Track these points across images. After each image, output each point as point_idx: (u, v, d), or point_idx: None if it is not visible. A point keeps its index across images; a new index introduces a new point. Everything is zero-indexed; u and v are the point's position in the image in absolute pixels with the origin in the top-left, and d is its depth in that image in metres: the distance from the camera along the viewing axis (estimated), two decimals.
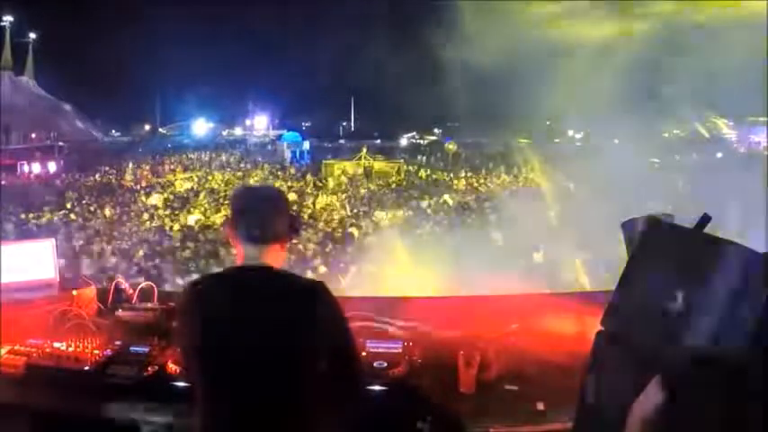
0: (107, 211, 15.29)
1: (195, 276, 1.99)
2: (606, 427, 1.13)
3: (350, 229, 12.05)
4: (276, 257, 1.74)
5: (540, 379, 2.28)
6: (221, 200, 16.35)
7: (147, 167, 27.45)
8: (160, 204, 16.71)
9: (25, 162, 28.93)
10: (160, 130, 52.62)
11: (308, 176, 23.68)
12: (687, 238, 1.52)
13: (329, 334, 1.63)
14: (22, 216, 13.91)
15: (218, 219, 13.32)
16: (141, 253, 10.35)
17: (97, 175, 25.47)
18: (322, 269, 8.95)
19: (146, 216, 14.51)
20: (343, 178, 23.83)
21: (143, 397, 2.17)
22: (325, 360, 1.61)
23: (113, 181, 23.90)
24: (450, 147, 34.12)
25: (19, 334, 2.47)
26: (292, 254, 9.33)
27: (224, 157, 32.11)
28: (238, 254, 1.74)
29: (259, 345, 1.57)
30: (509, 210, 12.90)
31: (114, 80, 45.60)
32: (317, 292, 1.65)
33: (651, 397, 0.89)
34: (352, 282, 8.45)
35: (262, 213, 1.73)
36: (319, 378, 1.59)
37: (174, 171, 27.43)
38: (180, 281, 8.01)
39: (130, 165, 27.39)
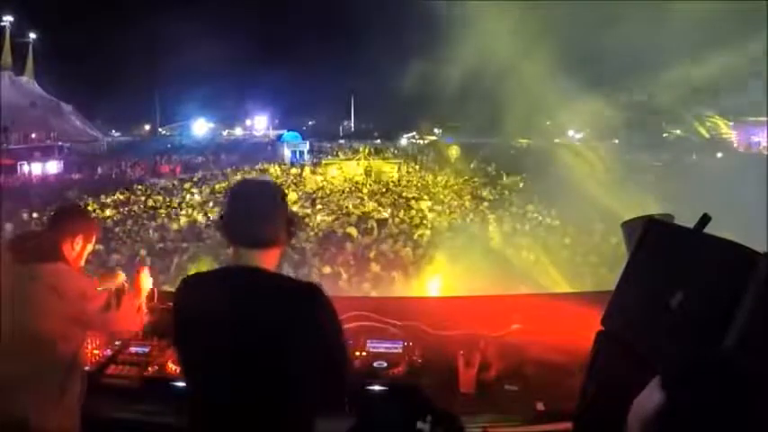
0: (108, 212, 15.31)
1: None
2: (606, 428, 1.12)
3: (348, 230, 12.05)
4: (271, 260, 1.66)
5: (540, 379, 2.28)
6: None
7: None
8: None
9: (25, 162, 28.94)
10: (160, 130, 52.61)
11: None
12: (687, 238, 1.52)
13: (321, 338, 1.57)
14: (24, 216, 13.93)
15: None
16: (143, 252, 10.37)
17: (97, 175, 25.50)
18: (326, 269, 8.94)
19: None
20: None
21: (143, 397, 2.17)
22: (314, 364, 1.56)
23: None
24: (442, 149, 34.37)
25: None
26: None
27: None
28: (233, 255, 1.66)
29: (246, 346, 1.53)
30: None
31: (114, 80, 45.66)
32: (309, 295, 1.58)
33: (650, 397, 0.89)
34: None
35: (257, 217, 1.64)
36: (307, 381, 1.56)
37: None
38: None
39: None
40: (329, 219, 13.68)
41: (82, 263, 2.25)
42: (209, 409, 1.58)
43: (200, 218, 14.29)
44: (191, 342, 1.63)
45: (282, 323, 1.54)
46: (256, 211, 1.65)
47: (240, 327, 1.54)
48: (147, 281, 2.47)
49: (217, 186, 21.28)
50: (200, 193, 19.54)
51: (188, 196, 18.78)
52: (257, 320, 1.55)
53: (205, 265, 9.03)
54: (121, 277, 2.61)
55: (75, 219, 2.23)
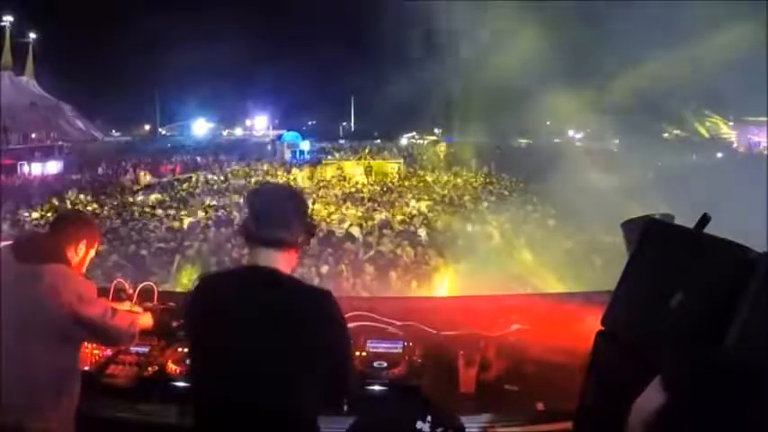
0: (107, 211, 15.31)
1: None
2: (606, 428, 1.12)
3: (349, 229, 12.03)
4: (287, 262, 1.70)
5: (540, 379, 2.28)
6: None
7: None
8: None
9: (25, 162, 28.92)
10: (160, 130, 52.60)
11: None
12: (687, 239, 1.52)
13: (330, 339, 1.61)
14: (25, 215, 13.94)
15: None
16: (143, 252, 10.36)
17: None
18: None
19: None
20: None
21: (143, 397, 2.17)
22: (323, 364, 1.58)
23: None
24: (441, 149, 34.22)
25: None
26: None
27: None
28: (250, 255, 1.69)
29: (259, 344, 1.56)
30: None
31: (114, 80, 45.65)
32: (321, 299, 1.62)
33: (652, 398, 0.89)
34: None
35: (276, 218, 1.68)
36: (315, 380, 1.58)
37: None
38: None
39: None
40: (329, 218, 13.67)
41: (83, 269, 2.26)
42: (219, 408, 1.60)
43: (200, 217, 14.27)
44: (206, 340, 1.65)
45: (295, 324, 1.57)
46: (275, 212, 1.69)
47: (254, 325, 1.57)
48: (148, 320, 2.44)
49: (215, 186, 21.28)
50: (200, 192, 19.52)
51: (187, 197, 18.76)
52: (272, 320, 1.58)
53: (205, 264, 9.04)
54: (148, 319, 2.47)
55: (78, 225, 2.25)
